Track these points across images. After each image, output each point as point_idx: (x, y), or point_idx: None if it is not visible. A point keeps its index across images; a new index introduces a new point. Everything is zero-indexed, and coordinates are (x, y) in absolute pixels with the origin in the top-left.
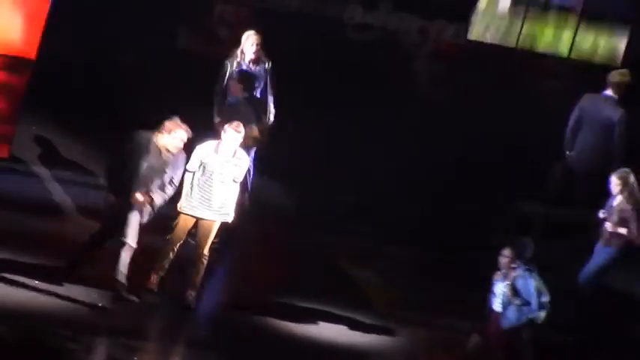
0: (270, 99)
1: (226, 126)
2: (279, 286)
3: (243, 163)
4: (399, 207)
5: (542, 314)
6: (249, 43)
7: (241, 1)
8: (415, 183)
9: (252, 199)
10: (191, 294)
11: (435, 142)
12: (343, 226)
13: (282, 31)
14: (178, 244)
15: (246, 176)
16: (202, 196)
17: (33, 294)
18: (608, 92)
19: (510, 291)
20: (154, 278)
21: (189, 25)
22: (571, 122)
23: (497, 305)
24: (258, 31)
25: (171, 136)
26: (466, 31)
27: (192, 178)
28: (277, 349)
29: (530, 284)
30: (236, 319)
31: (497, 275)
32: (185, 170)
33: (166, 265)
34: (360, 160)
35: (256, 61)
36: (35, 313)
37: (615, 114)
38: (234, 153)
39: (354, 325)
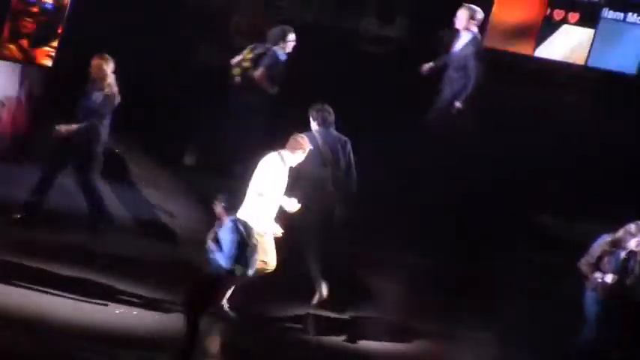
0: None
1: (301, 140)
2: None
3: (270, 175)
4: (414, 217)
5: (247, 271)
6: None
7: (257, 14)
8: (429, 193)
9: None
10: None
11: (450, 153)
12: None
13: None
14: None
15: None
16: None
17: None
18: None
19: (212, 239)
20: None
21: (205, 37)
22: None
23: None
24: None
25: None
26: None
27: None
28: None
29: (229, 235)
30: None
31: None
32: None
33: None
34: (374, 170)
35: (99, 87)
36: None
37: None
38: (269, 167)
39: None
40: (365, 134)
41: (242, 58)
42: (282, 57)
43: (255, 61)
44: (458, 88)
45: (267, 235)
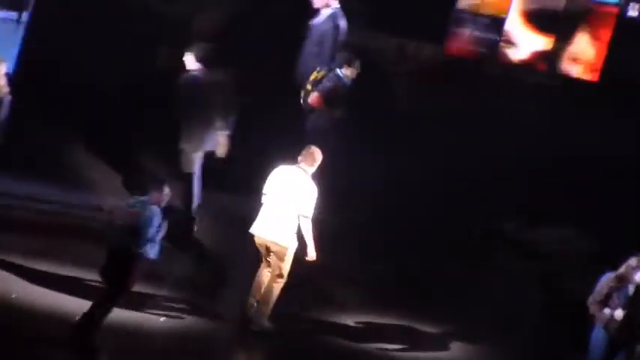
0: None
1: (317, 154)
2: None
3: (307, 193)
4: (380, 222)
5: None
6: None
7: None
8: (395, 198)
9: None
10: (259, 318)
11: (416, 158)
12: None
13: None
14: (261, 270)
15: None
16: (270, 220)
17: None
18: None
19: None
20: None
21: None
22: None
23: None
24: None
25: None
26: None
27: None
28: None
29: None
30: None
31: None
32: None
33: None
34: (340, 176)
35: None
36: None
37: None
38: (299, 181)
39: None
40: None
41: (309, 79)
42: (346, 81)
43: (316, 84)
44: (313, 64)
45: (290, 248)
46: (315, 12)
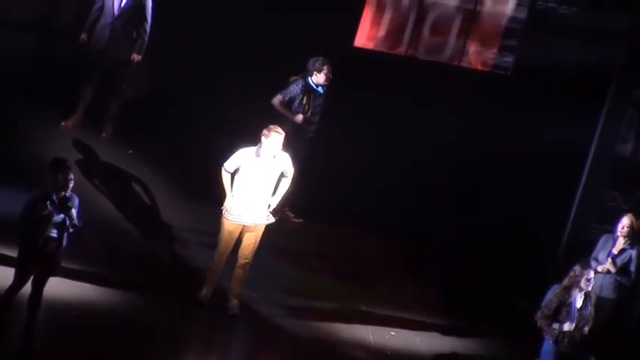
0: None
1: (266, 131)
2: None
3: (286, 160)
4: None
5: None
6: None
7: None
8: None
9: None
10: (236, 303)
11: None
12: None
13: None
14: (226, 256)
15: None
16: (247, 202)
17: None
18: None
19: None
20: (204, 292)
21: None
22: None
23: None
24: None
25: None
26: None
27: (232, 182)
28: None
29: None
30: None
31: None
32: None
33: (216, 279)
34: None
35: None
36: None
37: None
38: (275, 155)
39: None
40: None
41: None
42: (314, 86)
43: (287, 86)
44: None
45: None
46: None
